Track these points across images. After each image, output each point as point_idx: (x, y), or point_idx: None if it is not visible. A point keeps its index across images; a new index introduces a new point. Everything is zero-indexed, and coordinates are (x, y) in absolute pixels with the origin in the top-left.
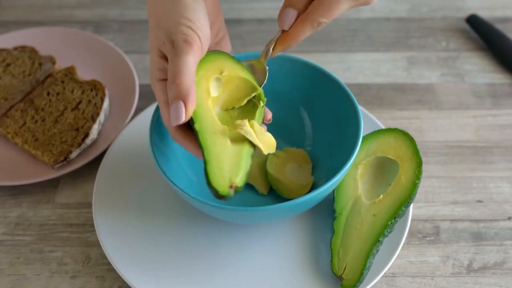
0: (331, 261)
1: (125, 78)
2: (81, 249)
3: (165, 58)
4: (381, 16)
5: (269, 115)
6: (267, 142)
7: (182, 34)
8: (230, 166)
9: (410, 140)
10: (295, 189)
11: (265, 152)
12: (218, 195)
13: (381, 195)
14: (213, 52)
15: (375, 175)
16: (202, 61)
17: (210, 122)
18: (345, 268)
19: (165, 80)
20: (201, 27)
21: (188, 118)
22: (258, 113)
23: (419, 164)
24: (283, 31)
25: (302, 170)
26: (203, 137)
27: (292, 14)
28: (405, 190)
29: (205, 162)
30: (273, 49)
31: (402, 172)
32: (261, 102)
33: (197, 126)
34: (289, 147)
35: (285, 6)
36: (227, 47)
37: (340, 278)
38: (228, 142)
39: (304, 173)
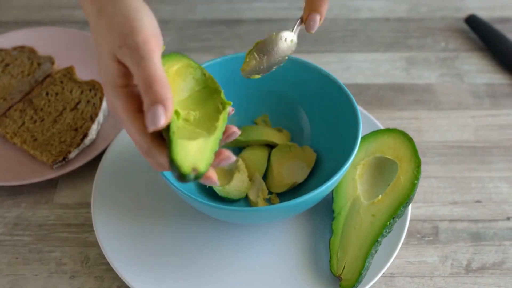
0: (330, 261)
1: None
2: (80, 249)
3: (122, 63)
4: (380, 16)
5: (231, 130)
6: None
7: (140, 35)
8: (195, 152)
9: (409, 140)
10: (279, 184)
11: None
12: (179, 174)
13: (380, 195)
14: (172, 54)
15: (374, 175)
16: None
17: (178, 122)
18: (344, 268)
19: (126, 86)
20: (152, 25)
21: (167, 122)
22: (222, 119)
23: (418, 164)
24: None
25: (299, 171)
26: (172, 129)
27: (317, 19)
28: (404, 190)
29: (170, 141)
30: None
31: (401, 172)
32: (225, 106)
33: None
34: (307, 146)
35: (310, 11)
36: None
37: (339, 278)
38: (195, 136)
39: (298, 174)
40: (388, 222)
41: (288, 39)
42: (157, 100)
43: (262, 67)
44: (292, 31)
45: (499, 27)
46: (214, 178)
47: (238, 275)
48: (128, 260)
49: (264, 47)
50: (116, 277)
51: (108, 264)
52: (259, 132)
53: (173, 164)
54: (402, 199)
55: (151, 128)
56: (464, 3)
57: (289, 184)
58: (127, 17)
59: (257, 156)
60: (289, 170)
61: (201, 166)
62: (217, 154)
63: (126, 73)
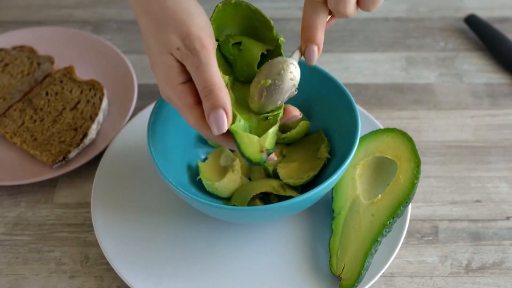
0: (329, 260)
1: (123, 78)
2: (80, 249)
3: (180, 62)
4: (379, 16)
5: (292, 113)
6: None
7: (198, 40)
8: (259, 138)
9: (409, 140)
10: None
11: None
12: (252, 163)
13: (380, 195)
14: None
15: (374, 175)
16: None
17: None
18: (343, 267)
19: (185, 83)
20: (208, 27)
21: (229, 125)
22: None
23: (417, 164)
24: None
25: (303, 167)
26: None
27: (315, 50)
28: (403, 190)
29: (235, 138)
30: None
31: (400, 172)
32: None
33: None
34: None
35: (307, 42)
36: None
37: (338, 278)
38: (252, 116)
39: (298, 170)
40: (388, 222)
41: (293, 72)
42: (216, 105)
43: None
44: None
45: (498, 27)
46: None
47: (238, 274)
48: (127, 259)
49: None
50: (115, 277)
51: (107, 263)
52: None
53: (244, 157)
54: (401, 198)
55: (216, 132)
56: (463, 3)
57: (309, 177)
58: (180, 16)
59: None
60: (298, 154)
61: (267, 144)
62: (285, 112)
63: (183, 71)
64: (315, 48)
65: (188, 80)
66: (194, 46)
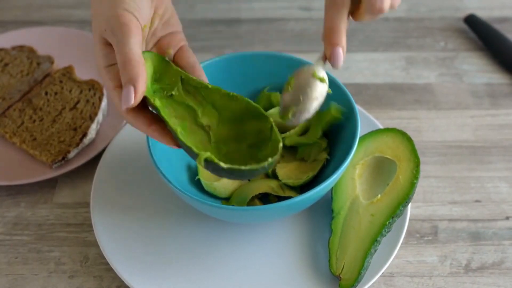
0: (329, 260)
1: None
2: (79, 249)
3: (109, 44)
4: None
5: None
6: None
7: (119, 17)
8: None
9: (408, 140)
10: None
11: None
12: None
13: (379, 195)
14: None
15: (373, 175)
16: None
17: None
18: (343, 267)
19: (111, 65)
20: (137, 6)
21: (138, 101)
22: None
23: (417, 164)
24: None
25: (302, 167)
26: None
27: (342, 53)
28: (403, 189)
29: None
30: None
31: (400, 171)
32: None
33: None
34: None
35: (332, 45)
36: (177, 24)
37: (338, 277)
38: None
39: (296, 169)
40: (388, 222)
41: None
42: (129, 80)
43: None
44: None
45: (498, 26)
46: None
47: (237, 274)
48: (127, 259)
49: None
50: (115, 277)
51: (107, 263)
52: None
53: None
54: (401, 198)
55: (123, 107)
56: (463, 3)
57: (308, 176)
58: (114, 1)
59: None
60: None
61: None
62: None
63: (109, 53)
64: (341, 50)
65: (114, 63)
66: (115, 25)
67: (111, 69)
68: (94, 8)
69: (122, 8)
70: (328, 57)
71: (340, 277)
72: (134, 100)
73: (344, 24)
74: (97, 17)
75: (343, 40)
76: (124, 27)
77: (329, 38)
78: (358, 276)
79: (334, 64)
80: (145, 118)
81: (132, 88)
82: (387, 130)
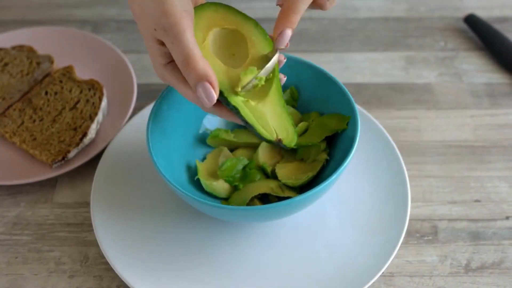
0: (257, 132)
1: (123, 77)
2: (79, 249)
3: (162, 43)
4: (379, 15)
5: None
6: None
7: (170, 17)
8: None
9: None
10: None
11: None
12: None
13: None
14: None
15: (223, 50)
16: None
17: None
18: (275, 132)
19: (170, 63)
20: (182, 4)
21: (218, 94)
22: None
23: (256, 24)
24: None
25: (302, 168)
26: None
27: (290, 35)
28: (260, 48)
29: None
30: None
31: (248, 37)
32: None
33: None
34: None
35: (285, 25)
36: None
37: (278, 141)
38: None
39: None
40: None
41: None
42: (199, 78)
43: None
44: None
45: (498, 26)
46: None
47: (238, 274)
48: (127, 259)
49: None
50: (115, 276)
51: (107, 263)
52: (252, 134)
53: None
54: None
55: (208, 105)
56: (463, 2)
57: (308, 176)
58: None
59: (249, 157)
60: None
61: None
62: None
63: (167, 52)
64: (290, 32)
65: (173, 60)
66: (167, 24)
67: (172, 66)
68: (137, 7)
69: (169, 4)
70: (277, 35)
71: (280, 139)
72: (215, 96)
73: (305, 8)
74: (143, 17)
75: (296, 23)
76: (176, 26)
77: (286, 18)
78: (293, 129)
79: (278, 43)
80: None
81: (208, 85)
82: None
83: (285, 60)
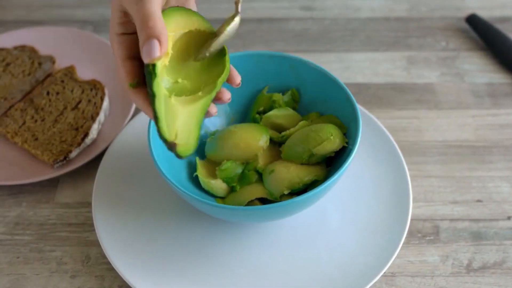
0: (158, 126)
1: None
2: (81, 249)
3: (125, 14)
4: (380, 15)
5: (238, 78)
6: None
7: None
8: (180, 126)
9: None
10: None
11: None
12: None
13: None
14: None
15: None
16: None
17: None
18: (176, 134)
19: (125, 34)
20: None
21: (162, 55)
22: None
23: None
24: None
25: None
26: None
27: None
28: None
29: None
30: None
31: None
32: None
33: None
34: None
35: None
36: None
37: (171, 144)
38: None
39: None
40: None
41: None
42: (151, 35)
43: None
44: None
45: (499, 26)
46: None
47: (238, 274)
48: (129, 259)
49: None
50: (117, 276)
51: (109, 263)
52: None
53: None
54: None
55: (147, 60)
56: (464, 2)
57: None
58: None
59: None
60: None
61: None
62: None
63: (126, 22)
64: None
65: (130, 33)
66: None
67: (125, 38)
68: None
69: None
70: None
71: (175, 144)
72: (159, 53)
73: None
74: None
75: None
76: None
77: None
78: (195, 143)
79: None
80: (146, 96)
81: (156, 41)
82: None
83: (228, 97)
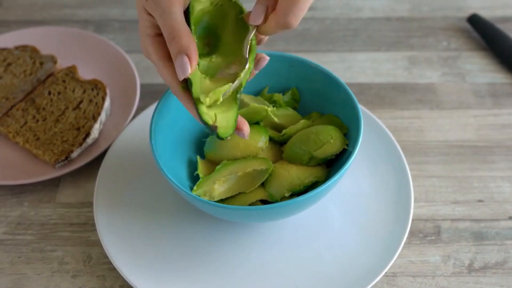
0: (198, 112)
1: (126, 77)
2: (82, 249)
3: (151, 15)
4: (382, 15)
5: (264, 61)
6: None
7: None
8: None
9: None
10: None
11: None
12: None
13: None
14: None
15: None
16: None
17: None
18: (215, 116)
19: (157, 35)
20: None
21: (194, 69)
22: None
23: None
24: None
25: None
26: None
27: (262, 9)
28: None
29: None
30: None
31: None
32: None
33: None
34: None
35: (257, 2)
36: None
37: (213, 127)
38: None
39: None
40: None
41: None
42: (180, 50)
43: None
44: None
45: (501, 26)
46: (245, 131)
47: (240, 274)
48: (130, 259)
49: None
50: (118, 276)
51: (110, 263)
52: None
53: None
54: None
55: (181, 77)
56: (466, 2)
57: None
58: None
59: None
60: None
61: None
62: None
63: (156, 24)
64: (261, 7)
65: (161, 33)
66: None
67: (158, 39)
68: None
69: None
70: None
71: (216, 126)
72: (191, 69)
73: None
74: None
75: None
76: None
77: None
78: (234, 123)
79: (250, 19)
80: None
81: (185, 57)
82: None
83: (267, 59)
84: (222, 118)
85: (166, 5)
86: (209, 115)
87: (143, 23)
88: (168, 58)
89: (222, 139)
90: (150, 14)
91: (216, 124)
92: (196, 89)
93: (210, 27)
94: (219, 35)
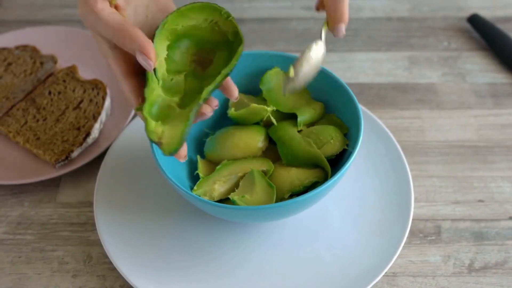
0: (146, 127)
1: None
2: (82, 248)
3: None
4: (382, 15)
5: (235, 92)
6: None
7: (80, 8)
8: (167, 131)
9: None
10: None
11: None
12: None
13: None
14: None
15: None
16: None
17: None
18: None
19: (115, 47)
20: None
21: (155, 61)
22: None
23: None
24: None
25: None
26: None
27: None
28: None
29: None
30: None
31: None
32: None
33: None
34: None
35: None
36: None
37: (158, 143)
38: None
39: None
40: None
41: (319, 50)
42: (136, 48)
43: (298, 82)
44: (321, 39)
45: (501, 26)
46: (182, 154)
47: (240, 274)
48: (130, 259)
49: (299, 63)
50: (118, 276)
51: (110, 263)
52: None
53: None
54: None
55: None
56: (466, 2)
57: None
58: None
59: None
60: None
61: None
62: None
63: (106, 38)
64: (342, 26)
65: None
66: (81, 15)
67: (120, 51)
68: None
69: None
70: (331, 29)
71: (161, 143)
72: (151, 65)
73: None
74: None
75: (345, 14)
76: (86, 5)
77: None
78: (180, 140)
79: (336, 35)
80: None
81: (143, 56)
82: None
83: (208, 116)
84: (169, 134)
85: (90, 8)
86: (156, 131)
87: (99, 44)
88: (129, 73)
89: (165, 155)
90: (96, 32)
91: (161, 141)
92: (146, 107)
93: (203, 44)
94: (212, 59)
